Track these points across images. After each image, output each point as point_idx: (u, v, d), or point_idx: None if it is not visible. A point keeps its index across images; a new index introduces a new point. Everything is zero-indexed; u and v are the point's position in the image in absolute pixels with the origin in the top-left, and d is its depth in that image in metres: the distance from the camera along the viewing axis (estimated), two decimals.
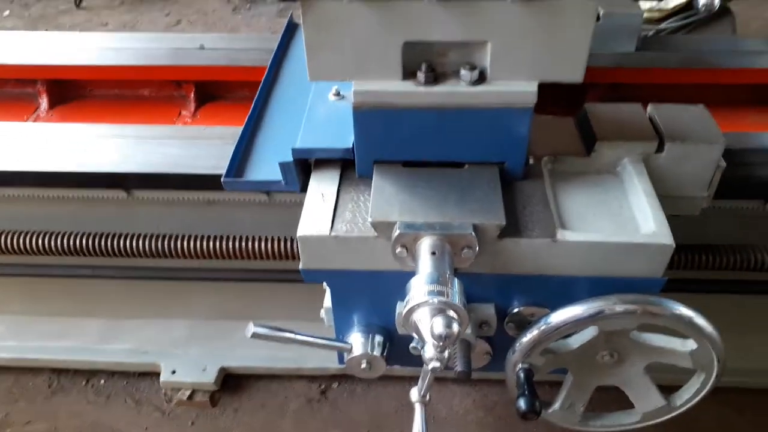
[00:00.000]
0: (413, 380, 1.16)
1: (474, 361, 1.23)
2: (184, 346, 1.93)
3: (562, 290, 1.11)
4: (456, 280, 0.97)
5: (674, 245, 1.03)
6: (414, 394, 1.10)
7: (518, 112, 1.06)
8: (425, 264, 0.98)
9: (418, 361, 1.20)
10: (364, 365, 1.24)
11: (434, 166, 1.15)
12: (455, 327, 0.88)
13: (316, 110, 1.29)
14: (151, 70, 1.85)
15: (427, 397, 1.10)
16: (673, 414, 1.18)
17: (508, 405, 1.86)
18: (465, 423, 1.87)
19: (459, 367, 1.11)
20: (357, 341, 1.23)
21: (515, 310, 1.16)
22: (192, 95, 1.91)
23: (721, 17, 3.18)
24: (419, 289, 0.95)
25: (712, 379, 1.07)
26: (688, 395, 1.14)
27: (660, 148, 1.21)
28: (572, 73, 1.04)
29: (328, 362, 1.85)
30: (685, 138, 1.21)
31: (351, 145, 1.16)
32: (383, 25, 0.99)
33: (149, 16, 4.74)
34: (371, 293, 1.17)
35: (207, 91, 1.93)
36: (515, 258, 1.08)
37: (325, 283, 1.20)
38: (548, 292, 1.13)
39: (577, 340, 1.10)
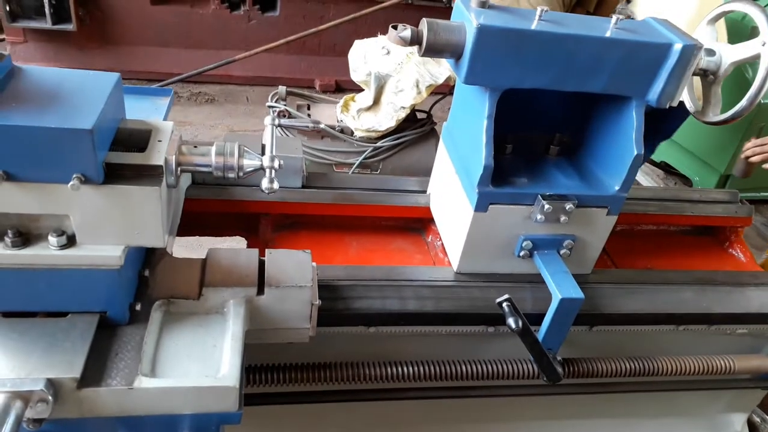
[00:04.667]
0: None
1: None
2: None
3: (158, 427, 1.26)
4: None
5: (236, 387, 1.23)
6: None
7: (106, 272, 1.22)
8: None
9: None
10: None
11: (38, 316, 1.26)
12: None
13: None
14: None
15: None
16: None
17: None
18: None
19: None
20: None
21: None
22: None
23: (428, 138, 3.80)
24: None
25: None
26: None
27: (261, 292, 1.45)
28: (154, 240, 1.23)
29: None
30: (280, 283, 1.46)
31: None
32: None
33: None
34: None
35: None
36: (99, 404, 1.19)
37: None
38: (145, 429, 1.26)
39: None
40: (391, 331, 1.71)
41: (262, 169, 1.35)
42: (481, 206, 1.65)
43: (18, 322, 1.23)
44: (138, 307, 1.34)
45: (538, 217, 1.68)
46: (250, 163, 1.33)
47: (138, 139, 1.27)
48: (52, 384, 1.13)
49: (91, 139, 1.07)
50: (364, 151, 3.56)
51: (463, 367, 1.70)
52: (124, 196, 1.16)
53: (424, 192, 2.17)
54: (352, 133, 3.58)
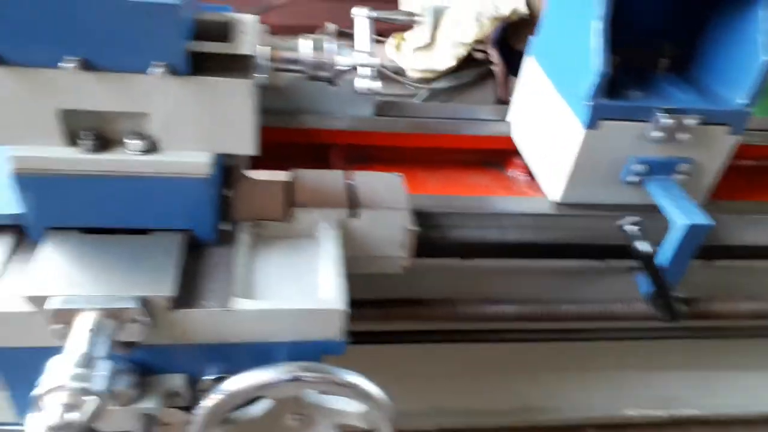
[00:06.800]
0: None
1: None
2: None
3: (252, 356, 1.12)
4: (106, 362, 0.93)
5: (346, 310, 1.09)
6: None
7: (193, 181, 1.07)
8: (75, 343, 0.93)
9: None
10: None
11: (117, 233, 1.12)
12: (73, 415, 0.83)
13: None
14: None
15: None
16: None
17: None
18: None
19: None
20: (33, 424, 1.13)
21: (208, 378, 1.14)
22: None
23: (486, 79, 3.57)
24: (58, 369, 0.89)
25: None
26: None
27: (354, 214, 1.29)
28: (243, 146, 1.07)
29: None
30: (375, 205, 1.30)
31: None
32: (32, 93, 0.94)
33: None
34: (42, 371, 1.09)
35: None
36: (192, 328, 1.06)
37: None
38: (238, 359, 1.12)
39: (259, 408, 1.11)
40: (489, 265, 1.55)
41: (355, 68, 1.18)
42: (593, 122, 1.46)
43: (97, 238, 1.09)
44: (224, 228, 1.20)
45: (655, 134, 1.49)
46: (347, 59, 1.15)
47: (216, 32, 1.10)
48: (144, 303, 0.99)
49: (179, 17, 0.91)
50: (417, 95, 3.36)
51: (570, 307, 1.53)
52: (211, 90, 0.99)
53: (502, 120, 1.98)
54: (404, 74, 3.38)
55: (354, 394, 1.06)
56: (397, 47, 3.43)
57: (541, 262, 1.58)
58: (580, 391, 1.99)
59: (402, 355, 1.74)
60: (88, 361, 0.90)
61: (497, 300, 1.52)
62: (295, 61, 1.14)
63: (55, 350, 1.01)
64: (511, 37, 3.52)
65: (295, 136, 1.84)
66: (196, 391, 1.14)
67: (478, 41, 3.34)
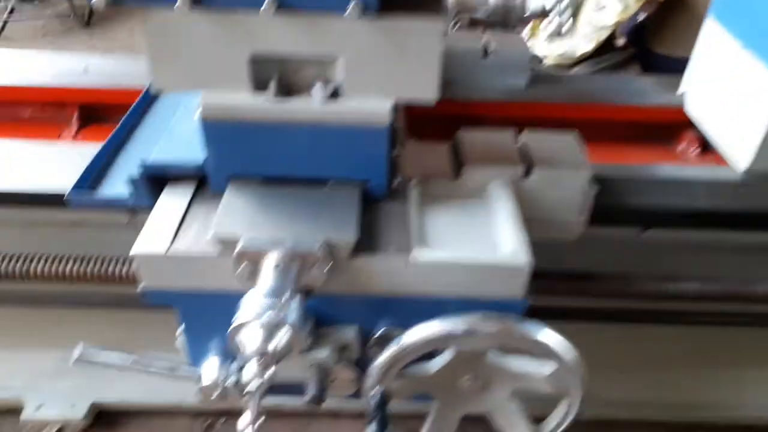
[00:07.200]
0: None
1: (340, 389, 1.17)
2: (53, 380, 1.77)
3: (425, 311, 1.06)
4: (296, 297, 0.91)
5: (531, 265, 1.01)
6: (241, 422, 0.97)
7: (374, 129, 1.04)
8: (265, 280, 0.92)
9: (293, 390, 1.14)
10: (218, 394, 1.15)
11: (295, 183, 1.11)
12: (276, 343, 0.82)
13: (181, 124, 1.24)
14: (31, 92, 1.77)
15: (255, 426, 0.98)
16: None
17: None
18: None
19: (310, 392, 1.04)
20: (211, 369, 1.15)
21: (378, 333, 1.11)
22: (74, 117, 1.82)
23: (628, 65, 3.35)
24: (251, 303, 0.89)
25: (576, 404, 1.04)
26: (555, 422, 1.09)
27: (528, 173, 1.21)
28: (425, 92, 1.02)
29: None
30: (552, 164, 1.21)
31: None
32: (226, 37, 0.95)
33: (72, 48, 4.61)
34: (223, 316, 1.09)
35: (90, 113, 1.84)
36: (370, 276, 1.04)
37: None
38: (411, 314, 1.06)
39: (436, 363, 1.06)
40: (668, 238, 1.40)
41: (543, 14, 1.10)
42: None
43: (278, 187, 1.09)
44: (395, 183, 1.16)
45: None
46: (537, 2, 1.08)
47: None
48: (327, 247, 0.97)
49: None
50: None
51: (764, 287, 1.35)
52: (401, 30, 0.96)
53: (668, 91, 1.81)
54: (541, 61, 3.24)
55: (539, 351, 0.97)
56: (533, 34, 3.30)
57: (725, 235, 1.40)
58: (765, 387, 1.74)
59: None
60: (279, 295, 0.89)
61: (678, 277, 1.36)
62: (482, 6, 1.08)
63: (235, 297, 1.02)
64: (651, 36, 3.27)
65: (448, 109, 1.78)
66: (366, 346, 1.11)
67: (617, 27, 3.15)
